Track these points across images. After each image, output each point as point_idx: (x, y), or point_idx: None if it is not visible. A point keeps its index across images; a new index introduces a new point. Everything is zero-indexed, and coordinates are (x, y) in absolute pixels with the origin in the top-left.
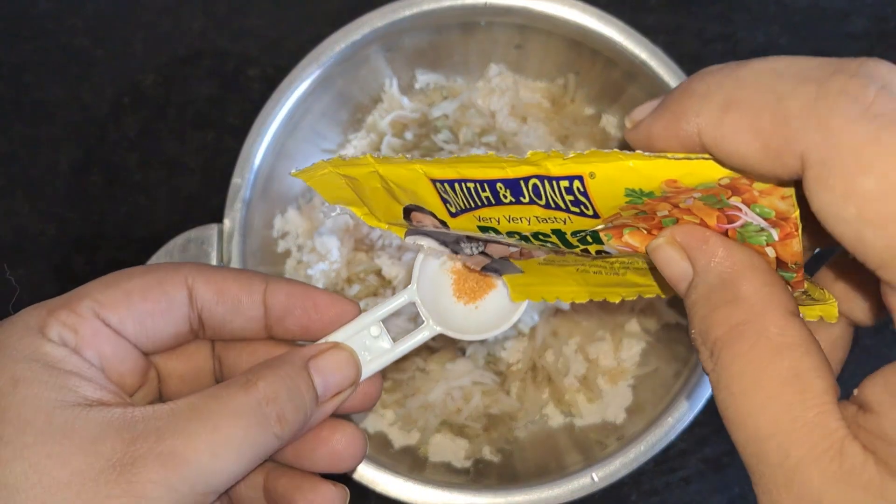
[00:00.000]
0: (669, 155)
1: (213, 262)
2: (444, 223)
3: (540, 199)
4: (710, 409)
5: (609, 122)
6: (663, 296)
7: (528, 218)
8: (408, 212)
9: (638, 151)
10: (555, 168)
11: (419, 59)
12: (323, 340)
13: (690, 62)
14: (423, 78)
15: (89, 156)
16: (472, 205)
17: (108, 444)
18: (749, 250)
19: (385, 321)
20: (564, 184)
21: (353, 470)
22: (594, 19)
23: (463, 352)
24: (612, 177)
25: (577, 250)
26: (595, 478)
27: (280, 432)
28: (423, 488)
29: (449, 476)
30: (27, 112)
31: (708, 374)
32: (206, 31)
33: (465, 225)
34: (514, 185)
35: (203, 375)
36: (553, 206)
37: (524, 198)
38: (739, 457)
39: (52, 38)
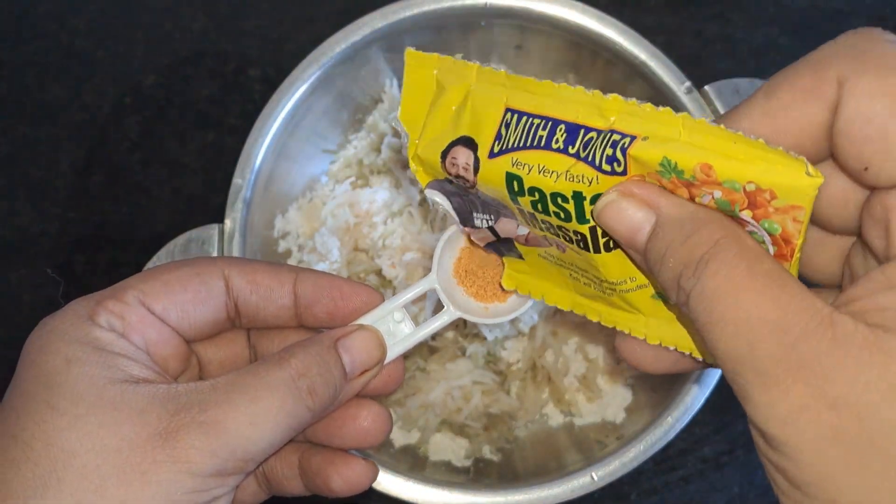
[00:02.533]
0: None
1: None
2: (476, 167)
3: (585, 150)
4: (710, 408)
5: None
6: (637, 335)
7: (560, 173)
8: (445, 155)
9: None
10: (621, 124)
11: None
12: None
13: (689, 63)
14: None
15: (90, 156)
16: (521, 144)
17: (154, 414)
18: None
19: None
20: (616, 137)
21: (380, 444)
22: (594, 20)
23: (463, 351)
24: (660, 143)
25: (583, 232)
26: (595, 477)
27: (312, 404)
28: (423, 487)
29: (449, 475)
30: (29, 112)
31: (686, 298)
32: (206, 32)
33: (494, 171)
34: (574, 130)
35: (240, 362)
36: (590, 160)
37: (572, 147)
38: (738, 456)
39: (54, 38)
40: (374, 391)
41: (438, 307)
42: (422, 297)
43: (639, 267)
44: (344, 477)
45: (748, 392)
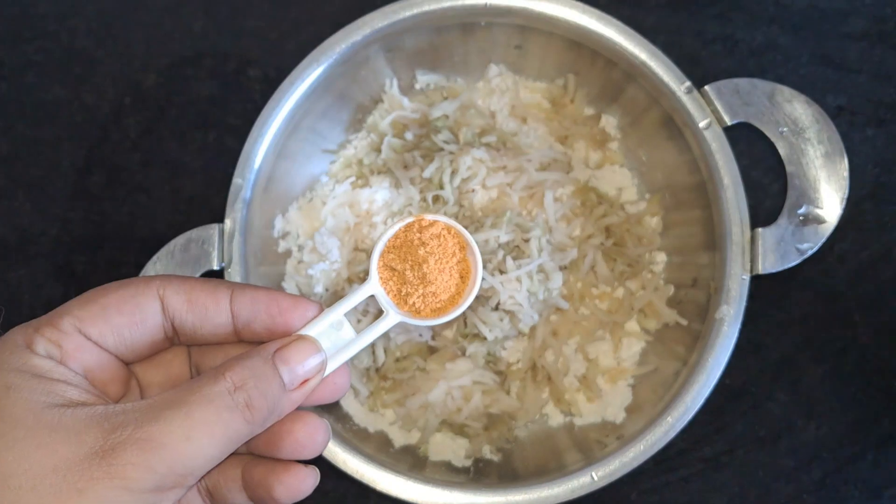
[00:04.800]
0: None
1: (215, 262)
2: None
3: None
4: (709, 408)
5: (609, 122)
6: None
7: None
8: None
9: None
10: None
11: (419, 60)
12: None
13: (690, 62)
14: (424, 78)
15: (91, 156)
16: None
17: (91, 434)
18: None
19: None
20: None
21: (317, 456)
22: (594, 20)
23: (463, 351)
24: None
25: None
26: (595, 477)
27: (250, 417)
28: (423, 487)
29: (449, 475)
30: (29, 112)
31: None
32: (207, 32)
33: None
34: None
35: (181, 381)
36: None
37: None
38: (738, 456)
39: (54, 38)
40: (319, 400)
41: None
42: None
43: None
44: (286, 484)
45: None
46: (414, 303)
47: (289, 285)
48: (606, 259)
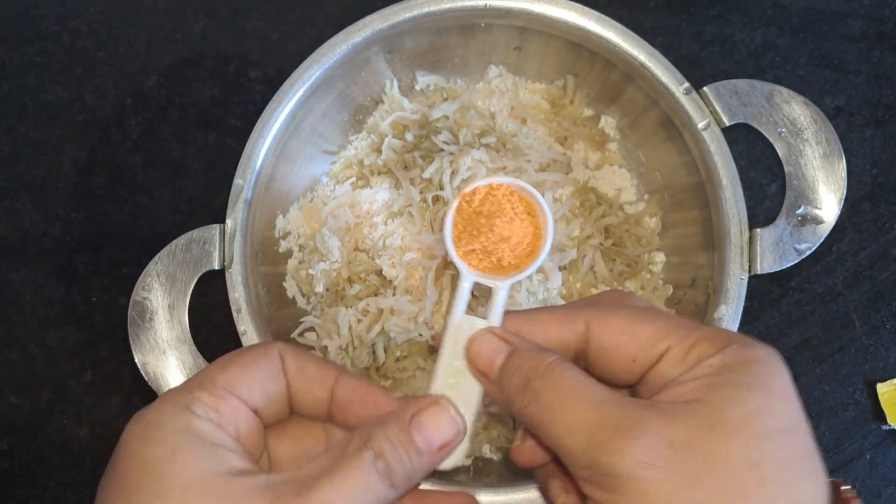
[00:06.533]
0: None
1: (216, 262)
2: None
3: None
4: None
5: (608, 123)
6: None
7: None
8: None
9: None
10: None
11: (419, 61)
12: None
13: (688, 64)
14: (424, 79)
15: (92, 157)
16: None
17: (257, 503)
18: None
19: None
20: None
21: None
22: (593, 21)
23: None
24: None
25: None
26: None
27: (391, 482)
28: (423, 486)
29: (448, 474)
30: (30, 113)
31: (523, 409)
32: (207, 33)
33: None
34: None
35: (308, 450)
36: None
37: None
38: None
39: (55, 39)
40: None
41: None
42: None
43: (488, 391)
44: None
45: (609, 446)
46: (501, 258)
47: (289, 285)
48: (605, 259)
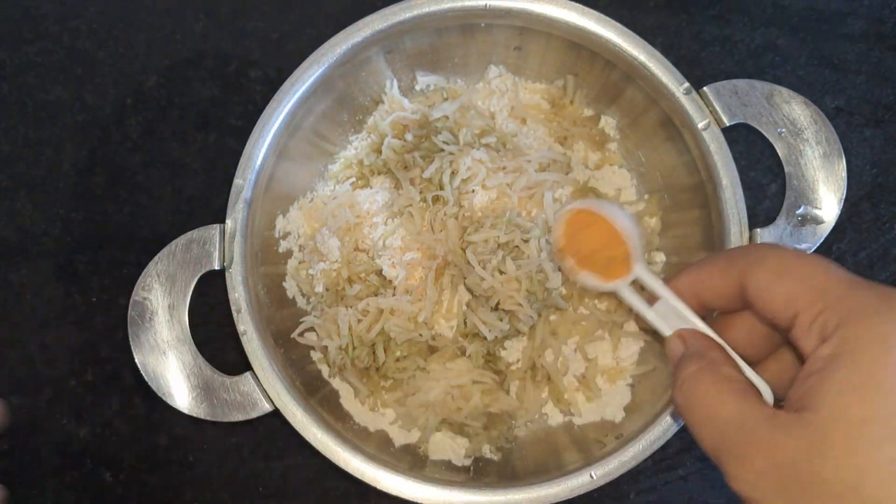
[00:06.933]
0: None
1: (216, 262)
2: None
3: None
4: None
5: (608, 123)
6: None
7: None
8: None
9: None
10: None
11: (419, 61)
12: None
13: (688, 64)
14: (424, 79)
15: (92, 156)
16: None
17: None
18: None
19: None
20: None
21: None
22: (593, 21)
23: (463, 351)
24: None
25: None
26: (594, 476)
27: None
28: (423, 486)
29: (449, 474)
30: (31, 113)
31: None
32: (207, 33)
33: None
34: None
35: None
36: None
37: None
38: None
39: (55, 39)
40: None
41: None
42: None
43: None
44: None
45: (725, 467)
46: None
47: (289, 285)
48: None
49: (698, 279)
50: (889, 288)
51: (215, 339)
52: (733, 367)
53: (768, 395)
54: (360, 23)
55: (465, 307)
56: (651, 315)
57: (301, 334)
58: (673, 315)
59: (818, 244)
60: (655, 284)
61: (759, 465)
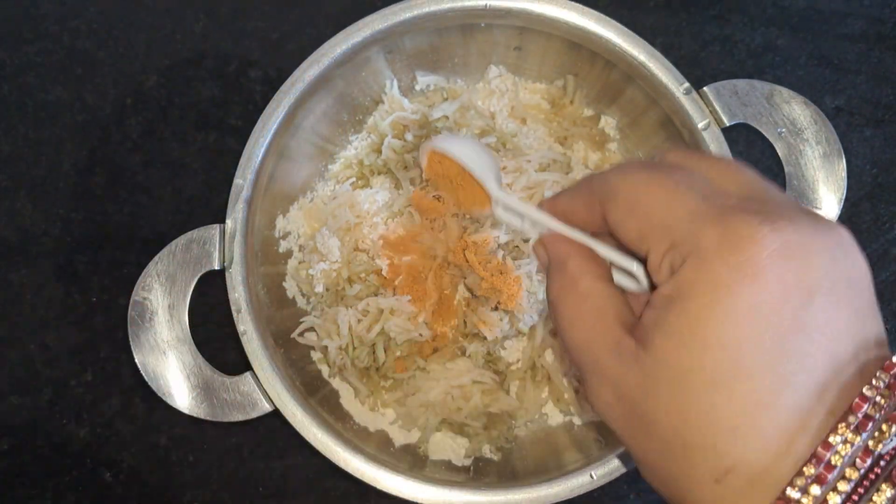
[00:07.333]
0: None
1: (216, 262)
2: None
3: None
4: None
5: (608, 122)
6: None
7: None
8: None
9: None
10: None
11: (419, 61)
12: None
13: (688, 64)
14: (424, 79)
15: (92, 156)
16: None
17: None
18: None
19: None
20: None
21: None
22: (593, 21)
23: (463, 351)
24: None
25: None
26: (594, 476)
27: None
28: (423, 486)
29: (449, 474)
30: (30, 113)
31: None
32: (208, 33)
33: None
34: None
35: None
36: None
37: None
38: None
39: (55, 39)
40: None
41: None
42: None
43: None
44: None
45: (585, 389)
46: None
47: (289, 285)
48: None
49: (566, 208)
50: (740, 218)
51: (215, 339)
52: (593, 275)
53: (641, 276)
54: (360, 23)
55: (465, 307)
56: (526, 226)
57: (301, 334)
58: (542, 227)
59: None
60: (517, 204)
61: (605, 395)
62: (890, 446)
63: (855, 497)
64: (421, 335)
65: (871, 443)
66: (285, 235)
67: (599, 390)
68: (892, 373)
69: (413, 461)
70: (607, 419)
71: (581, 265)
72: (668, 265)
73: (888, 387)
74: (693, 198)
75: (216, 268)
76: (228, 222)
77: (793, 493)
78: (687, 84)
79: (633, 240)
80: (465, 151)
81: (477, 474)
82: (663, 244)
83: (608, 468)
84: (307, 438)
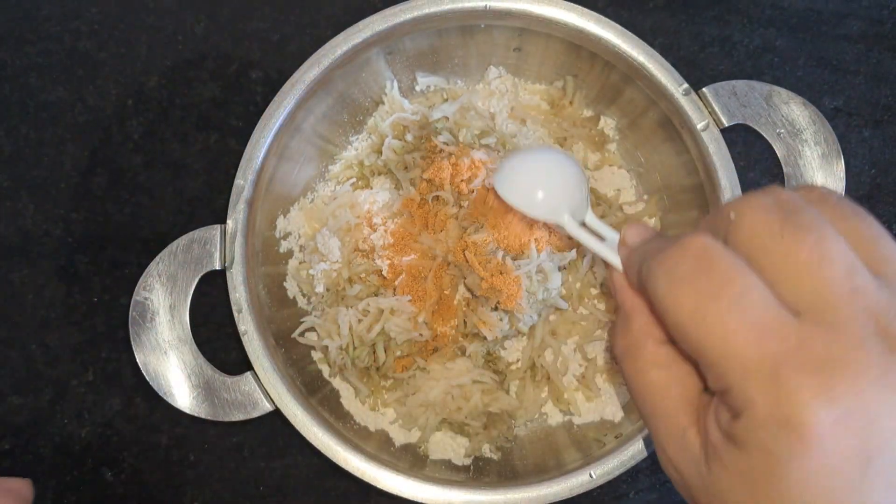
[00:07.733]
0: None
1: (217, 262)
2: None
3: None
4: None
5: (607, 123)
6: None
7: None
8: None
9: None
10: None
11: (420, 62)
12: None
13: (687, 65)
14: (424, 80)
15: (94, 157)
16: None
17: None
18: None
19: None
20: None
21: None
22: (592, 22)
23: (463, 351)
24: None
25: None
26: (593, 475)
27: None
28: (423, 486)
29: (449, 474)
30: (32, 114)
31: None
32: (209, 34)
33: None
34: None
35: None
36: None
37: None
38: None
39: (57, 40)
40: None
41: None
42: None
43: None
44: None
45: (656, 446)
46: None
47: (290, 285)
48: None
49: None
50: (795, 383)
51: (216, 339)
52: (656, 340)
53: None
54: (361, 24)
55: (465, 307)
56: (601, 248)
57: (302, 334)
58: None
59: None
60: (603, 228)
61: (667, 465)
62: None
63: None
64: (421, 335)
65: None
66: (286, 236)
67: (662, 456)
68: None
69: (413, 461)
70: (668, 474)
71: (644, 327)
72: (727, 402)
73: None
74: (744, 337)
75: (217, 268)
76: (229, 223)
77: None
78: (686, 85)
79: (689, 350)
80: (531, 193)
81: (477, 474)
82: (718, 385)
83: (607, 467)
84: (308, 438)
